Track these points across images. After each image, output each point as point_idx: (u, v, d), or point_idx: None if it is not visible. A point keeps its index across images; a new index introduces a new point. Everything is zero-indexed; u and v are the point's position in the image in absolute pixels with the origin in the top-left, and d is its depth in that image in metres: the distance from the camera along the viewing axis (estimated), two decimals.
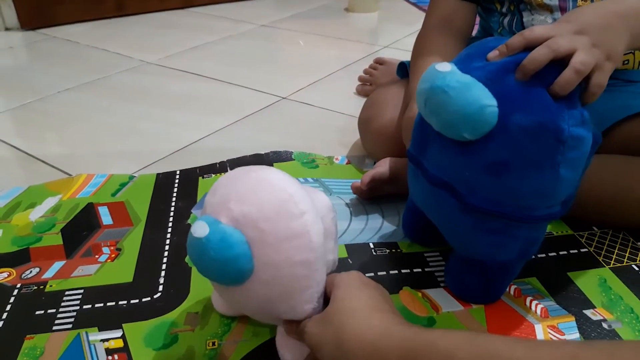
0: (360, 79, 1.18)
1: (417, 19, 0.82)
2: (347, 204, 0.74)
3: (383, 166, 0.73)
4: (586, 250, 0.64)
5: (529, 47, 0.46)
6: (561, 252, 0.64)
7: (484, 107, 0.44)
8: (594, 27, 0.48)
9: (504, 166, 0.45)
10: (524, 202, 0.47)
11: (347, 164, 0.86)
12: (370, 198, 0.75)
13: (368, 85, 1.16)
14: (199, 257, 0.42)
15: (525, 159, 0.45)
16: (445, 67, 0.46)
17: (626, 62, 0.73)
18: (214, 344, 0.52)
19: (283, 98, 1.15)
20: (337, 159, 0.87)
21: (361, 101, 0.92)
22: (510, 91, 0.45)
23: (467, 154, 0.47)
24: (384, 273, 0.61)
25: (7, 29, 1.67)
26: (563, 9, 0.69)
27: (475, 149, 0.46)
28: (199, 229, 0.41)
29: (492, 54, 0.46)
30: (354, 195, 0.75)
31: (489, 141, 0.45)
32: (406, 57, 0.88)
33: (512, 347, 0.29)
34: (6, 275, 0.62)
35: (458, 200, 0.49)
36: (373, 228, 0.69)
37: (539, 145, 0.45)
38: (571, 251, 0.64)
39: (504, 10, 0.76)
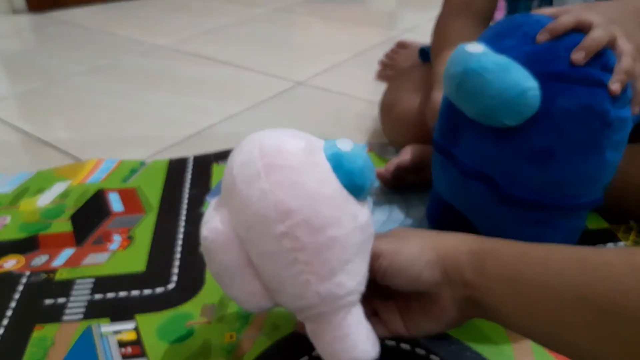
0: (381, 63, 1.14)
1: (436, 4, 0.78)
2: None
3: (408, 154, 0.69)
4: (623, 244, 0.61)
5: (577, 29, 0.43)
6: (597, 247, 0.60)
7: (525, 90, 0.41)
8: (618, 23, 0.46)
9: (548, 153, 0.43)
10: (568, 190, 0.44)
11: (368, 151, 0.83)
12: (393, 187, 0.71)
13: (389, 69, 1.11)
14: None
15: (571, 145, 0.42)
16: (476, 47, 0.43)
17: None
18: (231, 337, 0.49)
19: (299, 83, 1.11)
20: None
21: (379, 86, 0.89)
22: (552, 73, 0.41)
23: (507, 142, 0.44)
24: None
25: (15, 12, 1.64)
26: None
27: (516, 137, 0.43)
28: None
29: (543, 36, 0.43)
30: (377, 185, 0.72)
31: (530, 127, 0.42)
32: (425, 42, 0.84)
33: (550, 251, 0.36)
34: (14, 263, 0.60)
35: (496, 192, 0.46)
36: (396, 219, 0.66)
37: (585, 130, 0.42)
38: (607, 245, 0.61)
39: None
